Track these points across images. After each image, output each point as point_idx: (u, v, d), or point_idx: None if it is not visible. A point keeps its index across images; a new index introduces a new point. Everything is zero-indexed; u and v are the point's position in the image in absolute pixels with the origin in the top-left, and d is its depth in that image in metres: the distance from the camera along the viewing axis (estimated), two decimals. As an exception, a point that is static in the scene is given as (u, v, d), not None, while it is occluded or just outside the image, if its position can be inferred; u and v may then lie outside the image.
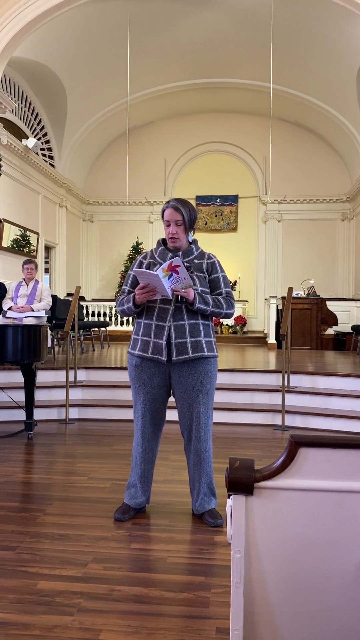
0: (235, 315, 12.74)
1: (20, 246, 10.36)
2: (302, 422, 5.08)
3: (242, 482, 1.20)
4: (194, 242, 2.82)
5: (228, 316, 2.75)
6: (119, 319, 12.05)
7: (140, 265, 2.77)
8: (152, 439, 2.84)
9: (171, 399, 2.91)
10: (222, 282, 2.76)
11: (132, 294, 2.68)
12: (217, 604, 2.02)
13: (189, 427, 2.77)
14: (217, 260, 2.81)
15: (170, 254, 2.73)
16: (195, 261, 2.74)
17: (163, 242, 2.82)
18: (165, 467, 3.68)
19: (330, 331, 10.65)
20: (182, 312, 2.65)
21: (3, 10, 7.17)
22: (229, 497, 1.24)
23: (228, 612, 1.95)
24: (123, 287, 2.83)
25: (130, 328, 11.86)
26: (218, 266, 2.79)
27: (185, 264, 2.68)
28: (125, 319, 12.00)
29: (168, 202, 2.71)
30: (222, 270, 2.80)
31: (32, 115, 11.53)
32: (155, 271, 2.52)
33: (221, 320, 12.80)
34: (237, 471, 1.21)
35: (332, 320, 9.86)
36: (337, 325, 10.03)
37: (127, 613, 1.95)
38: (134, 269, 2.68)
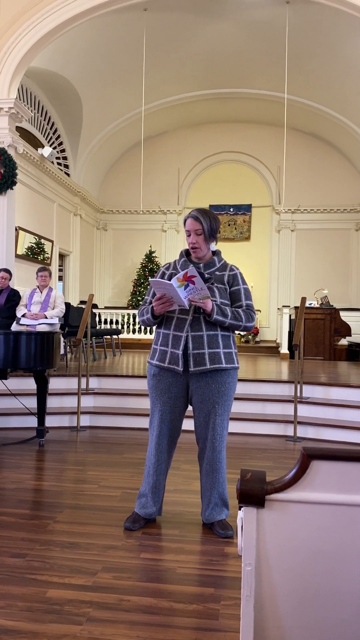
0: (251, 327, 12.69)
1: (35, 254, 10.46)
2: (314, 433, 5.04)
3: (254, 494, 1.20)
4: (217, 253, 2.80)
5: (248, 329, 2.72)
6: (131, 326, 12.08)
7: (162, 276, 2.76)
8: (167, 451, 2.82)
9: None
10: (243, 295, 2.74)
11: (152, 305, 2.68)
12: (227, 617, 2.00)
13: (204, 436, 2.76)
14: (240, 273, 2.79)
15: (192, 265, 2.70)
16: (217, 273, 2.72)
17: (186, 253, 2.81)
18: (176, 477, 3.66)
19: (344, 342, 10.57)
20: (200, 323, 2.63)
21: (21, 21, 7.29)
22: (240, 509, 1.24)
23: (238, 624, 1.93)
24: (145, 297, 2.82)
25: (142, 336, 11.88)
26: (240, 278, 2.76)
27: (207, 276, 2.68)
28: (137, 327, 12.04)
29: (190, 212, 2.72)
30: (244, 283, 2.78)
31: (48, 124, 11.67)
32: (170, 280, 2.52)
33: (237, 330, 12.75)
34: (248, 483, 1.20)
35: (346, 330, 9.79)
36: (350, 335, 9.96)
37: (137, 623, 1.94)
38: (150, 279, 2.67)
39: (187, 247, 2.78)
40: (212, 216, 2.72)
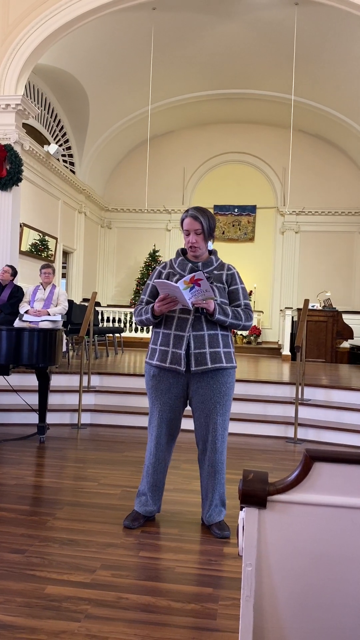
0: (250, 326, 12.68)
1: (39, 251, 10.46)
2: (315, 435, 5.04)
3: (256, 494, 1.19)
4: (214, 252, 2.79)
5: (246, 328, 2.73)
6: (133, 325, 12.08)
7: (159, 275, 2.75)
8: (166, 450, 2.83)
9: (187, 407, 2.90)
10: (241, 294, 2.75)
11: (151, 305, 2.66)
12: (225, 617, 2.00)
13: (205, 437, 2.74)
14: (237, 272, 2.80)
15: (190, 264, 2.70)
16: (215, 272, 2.72)
17: (182, 251, 2.79)
18: (176, 476, 3.66)
19: (346, 344, 10.55)
20: (201, 323, 2.63)
21: (30, 19, 7.29)
22: (241, 509, 1.23)
23: (235, 625, 1.94)
24: (142, 297, 2.80)
25: (145, 335, 11.89)
26: (237, 278, 2.77)
27: (205, 275, 2.67)
28: (139, 325, 12.02)
29: (187, 210, 2.68)
30: (242, 282, 2.79)
31: (54, 121, 11.67)
32: (176, 283, 2.51)
33: (236, 330, 12.81)
34: (251, 483, 1.20)
35: (348, 333, 9.78)
36: (352, 338, 9.94)
37: (134, 622, 1.94)
38: (154, 280, 2.63)
39: (183, 246, 2.77)
40: (210, 214, 2.71)
